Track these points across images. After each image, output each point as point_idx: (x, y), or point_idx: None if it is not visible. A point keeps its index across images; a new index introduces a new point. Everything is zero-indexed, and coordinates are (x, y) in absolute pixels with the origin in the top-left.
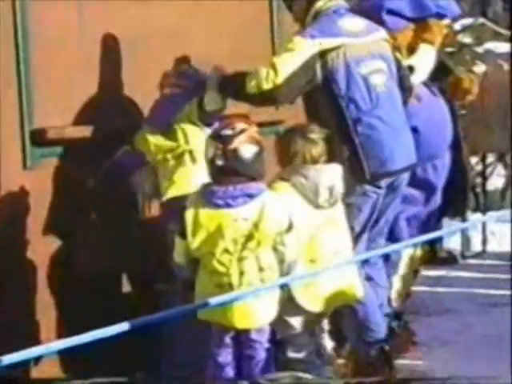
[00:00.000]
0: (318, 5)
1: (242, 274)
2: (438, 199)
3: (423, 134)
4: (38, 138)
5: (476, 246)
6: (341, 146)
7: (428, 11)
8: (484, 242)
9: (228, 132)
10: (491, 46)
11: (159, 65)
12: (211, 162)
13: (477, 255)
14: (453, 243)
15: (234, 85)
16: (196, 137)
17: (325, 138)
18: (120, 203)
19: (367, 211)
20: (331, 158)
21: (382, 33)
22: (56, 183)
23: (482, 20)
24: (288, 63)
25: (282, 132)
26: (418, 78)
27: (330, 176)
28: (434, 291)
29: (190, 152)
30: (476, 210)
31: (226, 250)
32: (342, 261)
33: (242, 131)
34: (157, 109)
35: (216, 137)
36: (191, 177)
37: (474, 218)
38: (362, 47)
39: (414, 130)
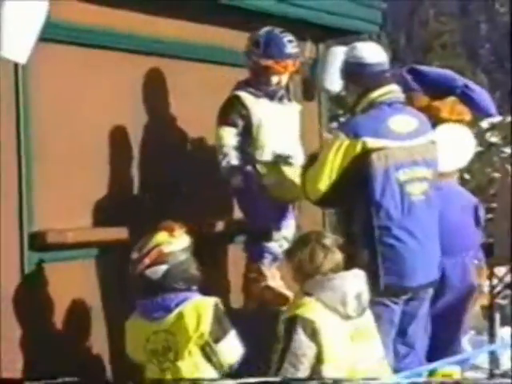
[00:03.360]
0: (374, 95)
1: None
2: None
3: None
4: (37, 242)
5: (506, 363)
6: (362, 250)
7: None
8: None
9: (134, 256)
10: None
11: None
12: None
13: (505, 374)
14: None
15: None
16: None
17: (340, 244)
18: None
19: (387, 320)
20: (351, 261)
21: (431, 135)
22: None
23: (510, 118)
24: (328, 171)
25: (292, 244)
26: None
27: (357, 283)
28: None
29: None
30: (503, 323)
31: (150, 361)
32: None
33: (148, 253)
34: None
35: (130, 260)
36: None
37: (503, 332)
38: (406, 152)
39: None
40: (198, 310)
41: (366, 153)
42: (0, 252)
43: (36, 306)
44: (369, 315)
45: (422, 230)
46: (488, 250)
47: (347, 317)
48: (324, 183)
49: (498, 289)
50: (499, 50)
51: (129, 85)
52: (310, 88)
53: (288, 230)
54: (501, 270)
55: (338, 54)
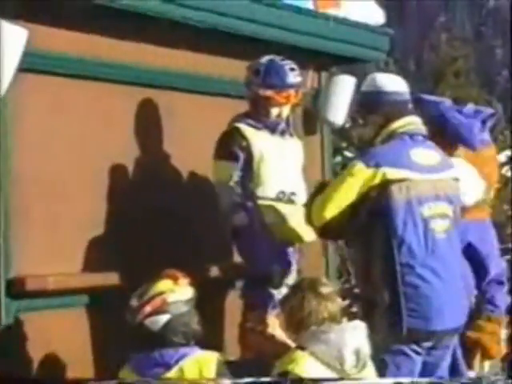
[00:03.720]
0: (395, 126)
1: None
2: None
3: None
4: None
5: None
6: (383, 292)
7: None
8: None
9: (133, 303)
10: None
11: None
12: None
13: None
14: None
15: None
16: None
17: (339, 292)
18: None
19: (406, 371)
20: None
21: (454, 171)
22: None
23: None
24: (338, 199)
25: (287, 292)
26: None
27: (356, 336)
28: None
29: None
30: None
31: None
32: None
33: (150, 300)
34: None
35: (127, 308)
36: None
37: None
38: (429, 185)
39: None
40: (199, 365)
41: (386, 183)
42: None
43: (13, 359)
44: (371, 371)
45: (447, 269)
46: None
47: (344, 374)
48: (331, 210)
49: None
50: None
51: (119, 116)
52: (311, 120)
53: (290, 275)
54: None
55: (342, 84)
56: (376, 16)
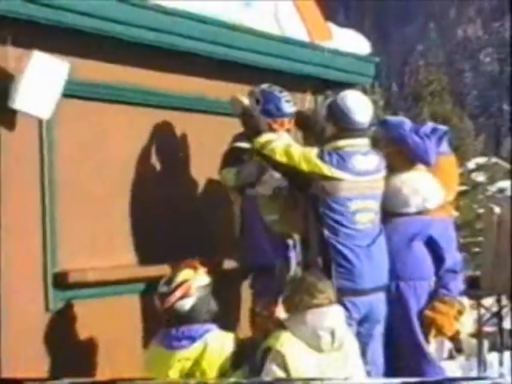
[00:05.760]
0: (342, 143)
1: None
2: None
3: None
4: (61, 281)
5: None
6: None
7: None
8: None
9: (163, 289)
10: (504, 184)
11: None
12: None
13: None
14: None
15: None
16: None
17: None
18: None
19: None
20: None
21: (383, 173)
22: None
23: (495, 159)
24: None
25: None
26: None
27: (330, 318)
28: None
29: None
30: (492, 349)
31: None
32: None
33: (178, 287)
34: None
35: (157, 294)
36: None
37: (491, 357)
38: (359, 186)
39: (431, 238)
40: (222, 339)
41: (329, 179)
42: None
43: (59, 340)
44: (351, 350)
45: (370, 249)
46: (475, 281)
47: (321, 350)
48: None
49: (486, 318)
50: (483, 96)
51: (146, 135)
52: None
53: (291, 266)
54: (488, 301)
55: None
56: (363, 46)
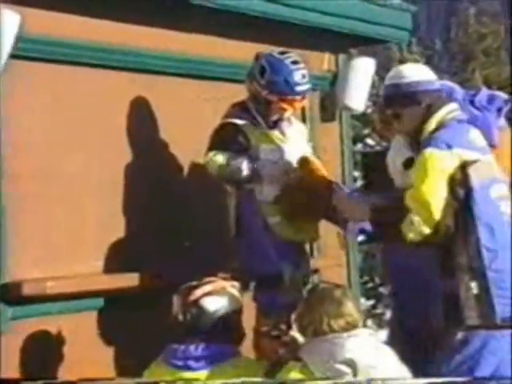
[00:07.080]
0: (441, 113)
1: None
2: None
3: None
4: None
5: None
6: (469, 281)
7: None
8: None
9: (192, 283)
10: None
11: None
12: (174, 319)
13: None
14: None
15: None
16: None
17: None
18: None
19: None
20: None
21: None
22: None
23: None
24: (437, 192)
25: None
26: None
27: (350, 348)
28: None
29: None
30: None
31: None
32: None
33: (209, 282)
34: None
35: (180, 292)
36: None
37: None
38: (490, 167)
39: None
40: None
41: (464, 165)
42: None
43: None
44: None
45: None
46: None
47: None
48: (436, 206)
49: None
50: None
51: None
52: (329, 106)
53: (300, 274)
54: None
55: (362, 67)
56: None
